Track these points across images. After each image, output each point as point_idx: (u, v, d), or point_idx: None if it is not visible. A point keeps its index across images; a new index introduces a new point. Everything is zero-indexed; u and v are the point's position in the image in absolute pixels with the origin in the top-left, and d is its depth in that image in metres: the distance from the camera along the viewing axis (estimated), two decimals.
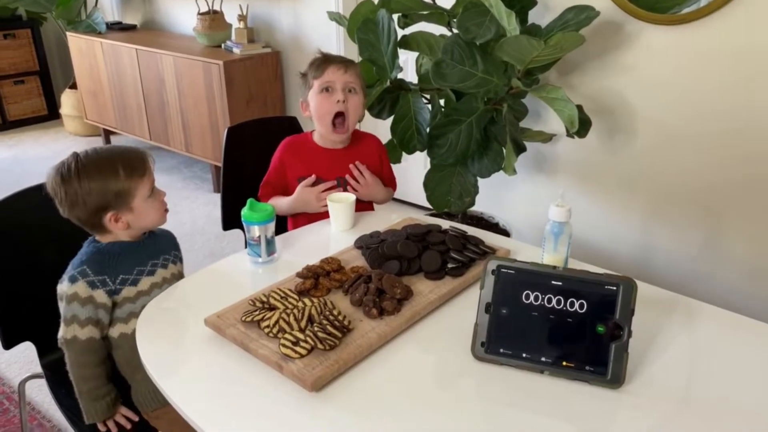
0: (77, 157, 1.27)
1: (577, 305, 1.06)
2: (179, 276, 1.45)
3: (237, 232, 1.98)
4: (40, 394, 2.01)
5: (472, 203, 2.19)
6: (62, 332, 1.28)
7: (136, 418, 1.33)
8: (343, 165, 1.74)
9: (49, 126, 4.89)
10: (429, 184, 2.14)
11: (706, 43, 2.02)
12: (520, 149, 2.00)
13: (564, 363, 1.05)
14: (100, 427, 1.30)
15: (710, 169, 2.16)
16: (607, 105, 2.30)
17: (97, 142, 4.42)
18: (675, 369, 1.07)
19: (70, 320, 1.26)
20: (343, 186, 1.74)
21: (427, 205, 2.25)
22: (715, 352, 1.11)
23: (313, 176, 1.71)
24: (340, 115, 1.67)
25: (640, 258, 2.44)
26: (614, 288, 1.05)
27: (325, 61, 1.69)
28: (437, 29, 2.14)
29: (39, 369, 1.50)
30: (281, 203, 1.72)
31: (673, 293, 1.29)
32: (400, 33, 2.09)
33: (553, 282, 1.08)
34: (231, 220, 1.97)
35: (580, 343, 1.05)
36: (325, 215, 1.63)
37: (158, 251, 1.41)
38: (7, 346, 1.42)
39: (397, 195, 2.09)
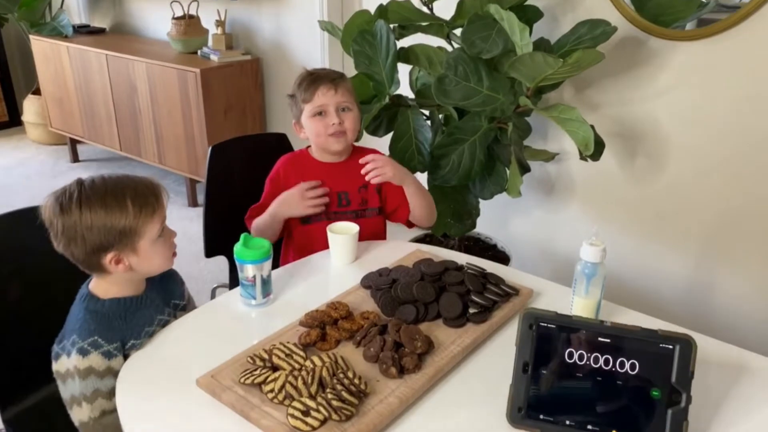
0: (81, 185, 1.08)
1: (627, 365, 0.94)
2: None
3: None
4: None
5: (473, 226, 2.06)
6: (83, 415, 1.08)
7: None
8: (345, 178, 1.61)
9: (10, 133, 4.61)
10: None
11: (734, 56, 1.81)
12: (524, 170, 1.87)
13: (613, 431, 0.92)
14: None
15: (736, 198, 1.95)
16: (629, 126, 2.09)
17: (63, 152, 4.17)
18: None
19: (91, 397, 1.08)
20: (344, 202, 1.60)
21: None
22: None
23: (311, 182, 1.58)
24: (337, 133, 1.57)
25: (691, 301, 2.16)
26: (670, 347, 0.92)
27: (313, 82, 1.56)
28: (434, 41, 2.00)
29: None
30: (263, 218, 1.57)
31: (730, 346, 1.16)
32: (398, 45, 1.95)
33: (600, 339, 0.95)
34: (214, 246, 1.81)
35: (631, 409, 0.93)
36: (319, 244, 1.49)
37: (163, 301, 1.23)
38: None
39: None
